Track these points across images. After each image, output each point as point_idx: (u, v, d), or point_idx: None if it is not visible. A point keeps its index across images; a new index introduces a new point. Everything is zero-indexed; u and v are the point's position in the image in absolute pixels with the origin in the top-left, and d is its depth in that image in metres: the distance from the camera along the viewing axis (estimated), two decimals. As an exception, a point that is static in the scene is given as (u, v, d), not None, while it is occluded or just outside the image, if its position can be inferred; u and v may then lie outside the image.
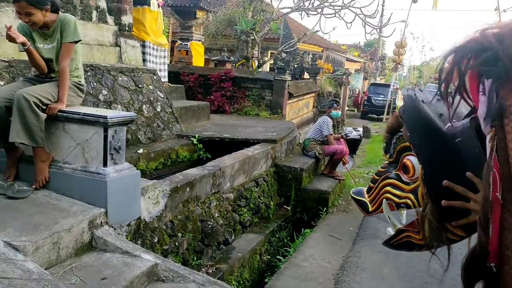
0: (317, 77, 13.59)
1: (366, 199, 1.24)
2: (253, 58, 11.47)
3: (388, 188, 1.17)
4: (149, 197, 3.38)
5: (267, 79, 9.36)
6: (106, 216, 2.91)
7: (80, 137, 3.01)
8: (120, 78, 5.89)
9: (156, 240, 3.42)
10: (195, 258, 3.87)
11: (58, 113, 3.00)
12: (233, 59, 12.87)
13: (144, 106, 6.10)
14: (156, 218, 3.47)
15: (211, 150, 6.28)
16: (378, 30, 15.15)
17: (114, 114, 3.01)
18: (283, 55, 9.85)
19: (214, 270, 3.82)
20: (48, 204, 2.85)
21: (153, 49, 7.49)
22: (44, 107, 2.99)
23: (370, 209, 1.23)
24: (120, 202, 3.01)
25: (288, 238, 5.31)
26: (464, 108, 0.97)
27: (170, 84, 8.04)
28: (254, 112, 9.13)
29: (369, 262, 4.04)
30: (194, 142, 6.26)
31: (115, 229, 2.97)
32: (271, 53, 15.87)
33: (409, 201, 1.11)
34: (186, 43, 11.95)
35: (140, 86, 6.21)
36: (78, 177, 2.98)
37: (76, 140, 3.02)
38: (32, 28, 3.07)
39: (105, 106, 5.25)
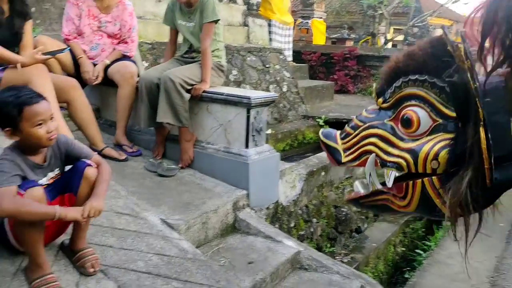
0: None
1: (339, 145, 1.02)
2: (379, 35, 10.81)
3: (373, 139, 0.96)
4: (286, 181, 3.29)
5: (395, 57, 8.74)
6: (247, 198, 2.88)
7: (223, 118, 3.00)
8: (248, 58, 5.90)
9: (292, 225, 3.34)
10: (328, 245, 3.73)
11: (202, 93, 3.02)
12: (354, 36, 12.32)
13: (270, 86, 6.06)
14: (292, 203, 3.38)
15: (337, 132, 6.05)
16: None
17: (257, 94, 2.94)
18: (415, 30, 9.07)
19: (349, 259, 3.64)
20: (194, 184, 2.91)
21: (279, 28, 7.40)
22: (189, 88, 3.04)
23: (343, 159, 1.01)
24: (261, 184, 2.96)
25: (423, 230, 4.90)
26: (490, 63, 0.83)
27: (294, 63, 7.91)
28: (380, 92, 8.61)
29: (528, 266, 3.52)
30: (320, 123, 6.08)
31: (255, 211, 2.94)
32: (394, 29, 14.89)
33: (402, 162, 0.89)
34: (307, 21, 11.68)
35: (267, 65, 6.17)
36: (221, 157, 2.99)
37: (219, 120, 3.02)
38: (180, 1, 3.10)
39: (235, 86, 5.30)
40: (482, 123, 0.78)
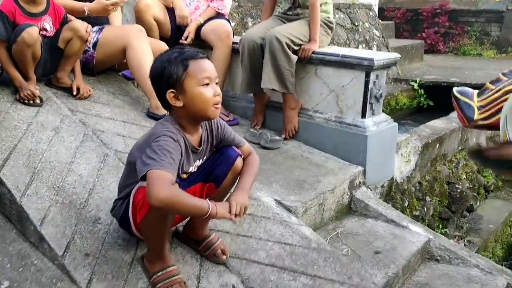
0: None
1: (474, 102, 1.01)
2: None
3: None
4: (401, 154, 2.88)
5: (495, 10, 7.75)
6: (363, 175, 2.52)
7: (334, 83, 2.61)
8: (336, 16, 5.37)
9: (406, 204, 2.95)
10: (440, 226, 3.31)
11: (311, 55, 2.63)
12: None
13: (360, 46, 5.52)
14: (406, 179, 2.98)
15: (433, 97, 5.45)
16: None
17: (380, 56, 2.52)
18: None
19: (465, 243, 3.21)
20: (302, 158, 2.58)
21: (365, -19, 6.72)
22: (296, 48, 2.66)
23: (477, 116, 0.99)
24: (378, 159, 2.58)
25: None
26: None
27: (380, 21, 7.23)
28: (476, 52, 7.73)
29: None
30: (414, 87, 5.49)
31: (371, 190, 2.58)
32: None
33: None
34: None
35: (356, 24, 5.62)
36: (331, 128, 2.62)
37: (330, 86, 2.64)
38: None
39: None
40: None
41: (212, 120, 1.51)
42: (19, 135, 1.95)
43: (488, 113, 0.97)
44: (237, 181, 1.54)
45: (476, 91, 1.04)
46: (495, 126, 0.99)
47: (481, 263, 2.25)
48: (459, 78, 5.59)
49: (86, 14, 2.38)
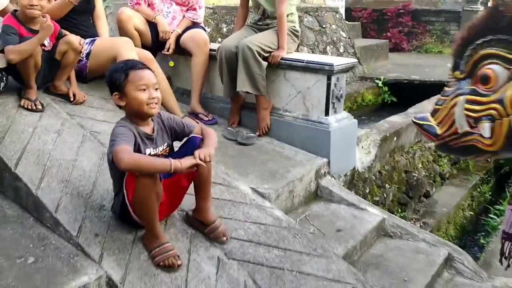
0: None
1: (432, 122, 1.16)
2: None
3: (464, 105, 1.09)
4: (362, 147, 3.27)
5: (453, 10, 8.30)
6: (328, 166, 2.89)
7: (301, 85, 2.98)
8: (305, 19, 5.76)
9: (367, 191, 3.34)
10: (399, 210, 3.72)
11: (280, 60, 2.99)
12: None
13: (328, 48, 5.92)
14: (367, 169, 3.37)
15: (396, 93, 5.90)
16: None
17: (339, 61, 2.88)
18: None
19: (421, 224, 3.63)
20: (274, 152, 2.93)
21: (332, -15, 7.13)
22: (266, 55, 3.01)
23: (439, 131, 1.15)
24: (340, 152, 2.95)
25: (490, 193, 4.80)
26: None
27: (347, 21, 7.65)
28: (437, 49, 8.27)
29: None
30: (379, 84, 5.93)
31: (335, 179, 2.95)
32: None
33: (493, 112, 1.03)
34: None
35: (323, 26, 6.01)
36: (299, 125, 2.99)
37: (297, 88, 3.00)
38: None
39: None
40: None
41: (161, 114, 1.95)
42: (27, 137, 2.23)
43: (447, 126, 1.13)
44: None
45: (429, 114, 1.19)
46: (456, 149, 1.19)
47: (427, 237, 2.66)
48: (420, 76, 6.07)
49: (67, 1, 2.67)
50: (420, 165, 4.10)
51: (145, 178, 1.67)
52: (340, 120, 2.96)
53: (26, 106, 2.41)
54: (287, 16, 3.10)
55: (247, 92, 3.04)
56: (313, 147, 2.92)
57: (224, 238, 1.99)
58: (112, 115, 2.68)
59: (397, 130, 3.71)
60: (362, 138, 3.25)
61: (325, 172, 2.87)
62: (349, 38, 6.34)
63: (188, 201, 2.08)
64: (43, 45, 2.47)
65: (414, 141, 4.08)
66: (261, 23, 3.20)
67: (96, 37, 2.83)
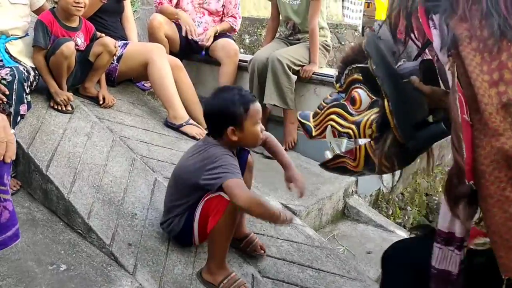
0: None
1: (311, 123, 1.25)
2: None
3: (333, 116, 1.19)
4: (388, 167, 3.21)
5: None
6: (356, 185, 2.83)
7: (331, 101, 2.93)
8: (325, 35, 5.74)
9: (390, 212, 3.27)
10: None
11: (312, 75, 2.94)
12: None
13: (346, 65, 5.90)
14: (391, 190, 3.30)
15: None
16: None
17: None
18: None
19: (441, 249, 3.56)
20: (301, 167, 2.87)
21: (351, 2, 7.17)
22: (296, 69, 2.97)
23: (314, 133, 1.25)
24: (368, 171, 2.89)
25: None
26: (414, 48, 1.06)
27: (363, 40, 7.68)
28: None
29: None
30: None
31: (361, 198, 2.89)
32: None
33: (350, 132, 1.14)
34: (370, -5, 11.26)
35: (343, 43, 6.01)
36: (327, 142, 2.92)
37: (327, 104, 2.95)
38: None
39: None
40: (385, 97, 1.03)
41: None
42: (58, 139, 2.17)
43: (319, 130, 1.23)
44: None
45: (312, 113, 1.27)
46: (332, 169, 1.30)
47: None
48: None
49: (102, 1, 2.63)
50: (440, 189, 4.04)
51: (237, 214, 1.61)
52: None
53: (57, 106, 2.35)
54: (319, 30, 3.07)
55: (275, 105, 2.99)
56: (341, 164, 2.86)
57: (262, 251, 1.93)
58: (141, 121, 2.63)
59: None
60: (388, 158, 3.19)
61: (352, 191, 2.81)
62: (367, 56, 6.33)
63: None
64: (77, 44, 2.43)
65: (435, 164, 4.02)
66: (292, 37, 3.17)
67: (128, 41, 2.79)
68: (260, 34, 4.89)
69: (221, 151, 1.63)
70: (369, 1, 11.13)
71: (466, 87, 0.82)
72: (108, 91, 2.70)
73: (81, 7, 2.33)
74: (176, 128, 2.62)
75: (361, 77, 1.11)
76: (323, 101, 1.28)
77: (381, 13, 11.05)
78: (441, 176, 4.07)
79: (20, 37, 2.34)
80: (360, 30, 7.57)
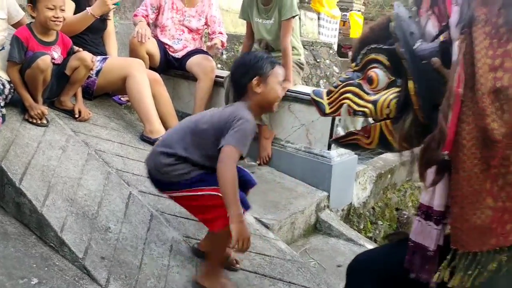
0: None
1: (324, 101, 1.27)
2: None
3: (348, 95, 1.20)
4: (359, 183, 3.30)
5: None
6: (328, 200, 2.90)
7: (305, 118, 3.01)
8: (301, 52, 5.88)
9: (362, 226, 3.35)
10: (389, 247, 3.74)
11: (286, 92, 3.02)
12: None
13: (321, 82, 6.04)
14: (362, 204, 3.39)
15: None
16: None
17: (345, 97, 2.93)
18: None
19: (410, 263, 3.65)
20: (275, 182, 2.93)
21: (327, 21, 7.36)
22: (271, 86, 3.04)
23: (327, 110, 1.26)
24: (340, 186, 2.97)
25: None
26: (433, 29, 1.06)
27: (339, 57, 7.85)
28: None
29: None
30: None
31: (333, 212, 2.96)
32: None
33: (367, 110, 1.15)
34: (345, 13, 11.55)
35: (318, 60, 6.15)
36: (301, 157, 3.00)
37: (301, 120, 3.03)
38: (262, 0, 3.10)
39: (290, 81, 5.29)
40: (410, 77, 1.04)
41: None
42: (32, 152, 2.17)
43: (334, 108, 1.24)
44: None
45: (325, 91, 1.29)
46: (344, 145, 1.31)
47: (423, 277, 2.67)
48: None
49: (89, 14, 2.67)
50: (410, 204, 4.16)
51: None
52: (342, 155, 2.99)
53: (31, 119, 2.36)
54: (292, 49, 3.16)
55: (250, 121, 3.05)
56: (313, 179, 2.93)
57: (238, 265, 1.98)
58: (116, 134, 2.65)
59: (391, 168, 3.77)
60: (360, 174, 3.28)
61: (324, 205, 2.88)
62: (341, 73, 6.48)
63: (192, 227, 2.05)
64: (53, 58, 2.44)
65: (405, 179, 4.14)
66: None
67: (107, 56, 2.82)
68: (238, 50, 4.97)
69: (246, 114, 1.67)
70: (344, 20, 11.43)
71: (468, 65, 0.89)
72: (85, 104, 2.71)
73: (60, 21, 2.36)
74: (152, 142, 2.65)
75: (380, 58, 1.13)
76: (338, 79, 1.30)
77: (355, 32, 11.36)
78: (411, 191, 4.20)
79: (-4, 50, 2.35)
80: (335, 48, 7.76)
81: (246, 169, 2.86)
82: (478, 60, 0.88)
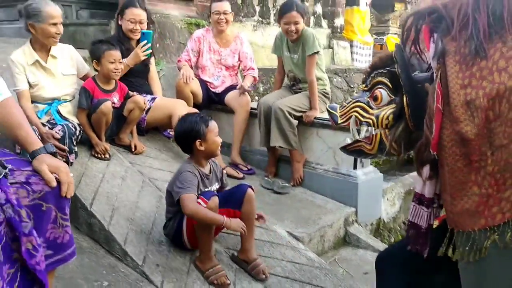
0: None
1: (337, 113, 1.52)
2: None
3: (357, 109, 1.45)
4: (387, 199, 3.54)
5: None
6: (356, 215, 3.17)
7: (332, 141, 3.33)
8: (335, 79, 6.20)
9: (392, 240, 3.57)
10: (424, 260, 3.90)
11: (314, 120, 3.37)
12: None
13: (355, 105, 6.30)
14: (392, 219, 3.62)
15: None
16: None
17: (366, 121, 3.24)
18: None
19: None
20: (307, 200, 3.25)
21: (360, 48, 7.65)
22: (298, 115, 3.40)
23: (339, 121, 1.51)
24: (367, 202, 3.24)
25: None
26: (425, 64, 1.33)
27: (374, 81, 8.09)
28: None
29: None
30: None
31: (362, 227, 3.22)
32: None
33: (370, 121, 1.40)
34: (381, 37, 11.78)
35: (351, 86, 6.43)
36: (330, 177, 3.31)
37: (328, 144, 3.35)
38: (290, 38, 3.49)
39: (324, 107, 5.61)
40: (404, 93, 1.31)
41: (214, 161, 2.41)
42: (98, 182, 2.64)
43: (344, 119, 1.50)
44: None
45: (339, 106, 1.57)
46: (350, 152, 1.55)
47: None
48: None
49: (126, 65, 3.12)
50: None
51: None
52: (367, 174, 3.27)
53: (97, 154, 2.84)
54: (318, 80, 3.52)
55: (280, 147, 3.41)
56: (342, 197, 3.22)
57: (263, 276, 2.28)
58: (167, 164, 3.09)
59: (421, 184, 3.96)
60: (387, 190, 3.53)
61: (353, 220, 3.15)
62: (376, 97, 6.72)
63: (232, 240, 2.41)
64: (113, 103, 2.94)
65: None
66: (295, 87, 3.64)
67: (156, 96, 3.30)
68: (273, 82, 5.37)
69: (185, 168, 2.19)
70: (381, 44, 11.66)
71: (444, 86, 1.12)
72: (139, 139, 3.18)
73: (119, 72, 2.90)
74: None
75: (384, 80, 1.38)
76: (350, 97, 1.68)
77: (393, 53, 11.49)
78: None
79: (69, 100, 2.87)
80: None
81: (279, 190, 3.23)
82: (451, 82, 1.10)
